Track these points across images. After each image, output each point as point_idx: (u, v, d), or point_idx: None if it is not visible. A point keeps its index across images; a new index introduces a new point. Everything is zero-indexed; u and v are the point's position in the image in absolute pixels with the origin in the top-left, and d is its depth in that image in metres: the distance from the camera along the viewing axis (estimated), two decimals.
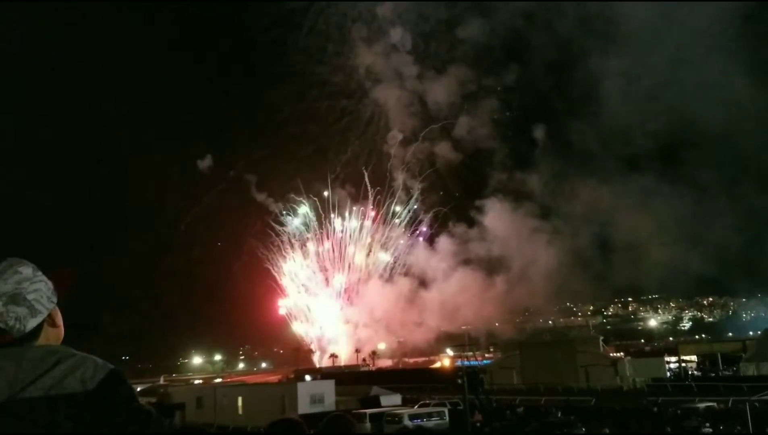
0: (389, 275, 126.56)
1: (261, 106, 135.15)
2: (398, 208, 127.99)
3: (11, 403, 1.91)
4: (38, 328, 2.14)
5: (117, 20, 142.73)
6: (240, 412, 48.68)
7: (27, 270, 2.18)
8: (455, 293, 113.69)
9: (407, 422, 37.99)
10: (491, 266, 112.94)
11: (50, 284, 2.22)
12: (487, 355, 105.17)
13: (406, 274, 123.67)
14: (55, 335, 2.20)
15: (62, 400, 1.94)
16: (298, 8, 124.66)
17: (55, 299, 2.23)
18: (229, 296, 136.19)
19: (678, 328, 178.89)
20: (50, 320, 2.20)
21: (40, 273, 2.21)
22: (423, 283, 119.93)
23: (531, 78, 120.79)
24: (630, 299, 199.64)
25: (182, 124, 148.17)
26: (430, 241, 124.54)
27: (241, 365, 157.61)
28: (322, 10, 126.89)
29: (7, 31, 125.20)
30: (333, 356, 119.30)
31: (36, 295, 2.15)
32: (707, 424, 32.56)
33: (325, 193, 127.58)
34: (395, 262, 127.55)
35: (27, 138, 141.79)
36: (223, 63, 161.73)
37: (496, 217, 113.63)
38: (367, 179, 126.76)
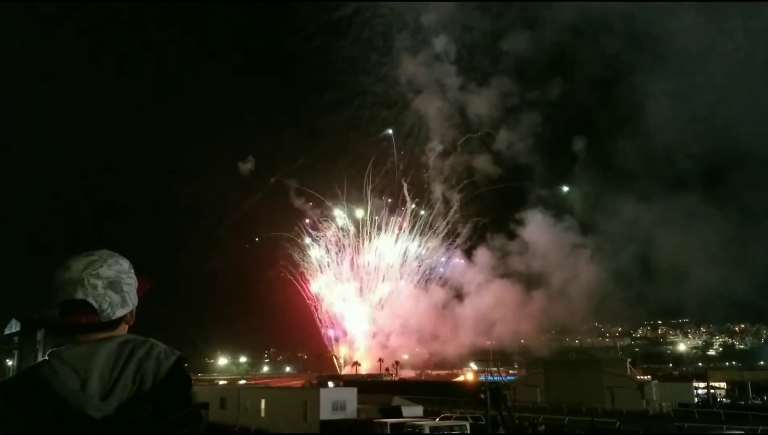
0: (424, 285, 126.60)
1: (303, 113, 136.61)
2: (436, 219, 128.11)
3: (107, 400, 2.02)
4: (120, 320, 2.26)
5: (166, 23, 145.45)
6: (263, 414, 49.04)
7: (125, 264, 2.30)
8: (487, 307, 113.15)
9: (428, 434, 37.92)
10: (525, 281, 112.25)
11: (137, 284, 2.36)
12: (511, 371, 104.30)
13: (443, 285, 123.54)
14: (125, 332, 2.30)
15: (145, 384, 2.07)
16: (344, 17, 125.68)
17: (137, 299, 2.36)
18: (258, 300, 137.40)
19: (708, 353, 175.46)
20: (129, 316, 2.32)
21: (133, 271, 2.35)
22: (458, 295, 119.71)
23: (575, 93, 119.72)
24: (660, 322, 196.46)
25: (225, 127, 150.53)
26: (467, 253, 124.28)
27: (265, 368, 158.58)
28: (367, 20, 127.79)
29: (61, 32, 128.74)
30: (356, 364, 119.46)
31: (129, 288, 2.28)
32: None
33: (363, 203, 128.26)
34: (431, 273, 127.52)
35: (72, 136, 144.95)
36: (267, 68, 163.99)
37: (532, 232, 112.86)
38: (405, 190, 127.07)
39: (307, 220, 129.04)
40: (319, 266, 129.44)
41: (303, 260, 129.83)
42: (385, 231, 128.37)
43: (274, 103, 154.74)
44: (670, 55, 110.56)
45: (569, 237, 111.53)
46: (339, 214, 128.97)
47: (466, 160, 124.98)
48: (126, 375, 2.07)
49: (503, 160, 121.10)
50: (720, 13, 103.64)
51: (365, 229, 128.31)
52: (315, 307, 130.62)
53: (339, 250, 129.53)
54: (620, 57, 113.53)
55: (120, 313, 2.23)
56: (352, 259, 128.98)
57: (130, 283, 2.29)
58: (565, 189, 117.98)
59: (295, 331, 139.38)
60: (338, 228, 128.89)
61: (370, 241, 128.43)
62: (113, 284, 2.21)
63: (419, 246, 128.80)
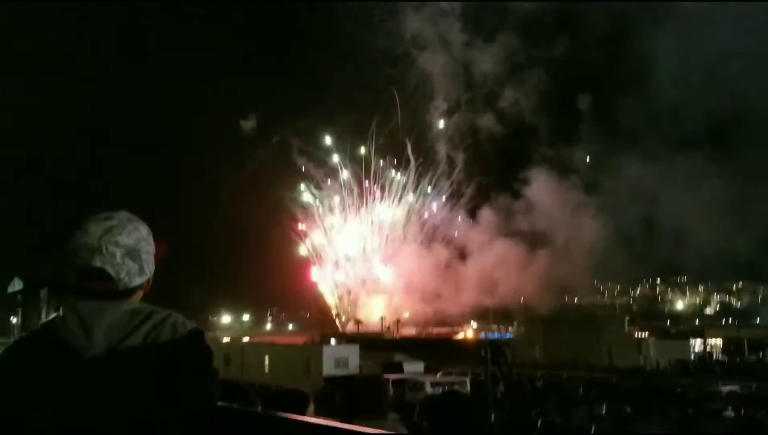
0: (428, 244, 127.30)
1: (306, 70, 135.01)
2: (440, 178, 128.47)
3: (113, 353, 1.96)
4: (137, 288, 2.19)
5: None
6: (266, 370, 49.91)
7: (144, 230, 2.22)
8: (489, 266, 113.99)
9: (429, 389, 38.70)
10: (526, 240, 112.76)
11: (154, 250, 2.28)
12: (510, 329, 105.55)
13: (446, 245, 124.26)
14: (140, 298, 2.24)
15: (157, 347, 2.01)
16: None
17: (154, 266, 2.29)
18: (261, 259, 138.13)
19: (705, 312, 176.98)
20: (146, 284, 2.25)
21: (151, 237, 2.26)
22: (461, 254, 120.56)
23: (581, 51, 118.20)
24: (658, 281, 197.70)
25: (226, 84, 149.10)
26: (471, 213, 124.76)
27: (268, 326, 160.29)
28: None
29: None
30: (357, 322, 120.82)
31: (147, 256, 2.20)
32: (730, 408, 32.61)
33: (363, 151, 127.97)
34: (434, 232, 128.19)
35: (68, 86, 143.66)
36: (269, 23, 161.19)
37: (535, 191, 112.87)
38: (409, 150, 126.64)
39: (310, 176, 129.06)
40: (322, 223, 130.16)
41: (306, 218, 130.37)
42: (389, 190, 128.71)
43: (276, 59, 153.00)
44: (679, 12, 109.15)
45: (571, 196, 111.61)
46: (340, 166, 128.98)
47: (470, 118, 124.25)
48: (137, 334, 2.01)
49: (508, 119, 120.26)
50: None
51: (369, 186, 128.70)
52: (318, 264, 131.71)
53: (343, 209, 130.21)
54: (628, 14, 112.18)
55: (137, 281, 2.17)
56: (355, 217, 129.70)
57: (149, 250, 2.22)
58: (587, 159, 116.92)
59: (297, 289, 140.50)
60: (342, 186, 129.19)
61: (373, 199, 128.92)
62: (132, 253, 2.13)
63: (423, 205, 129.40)
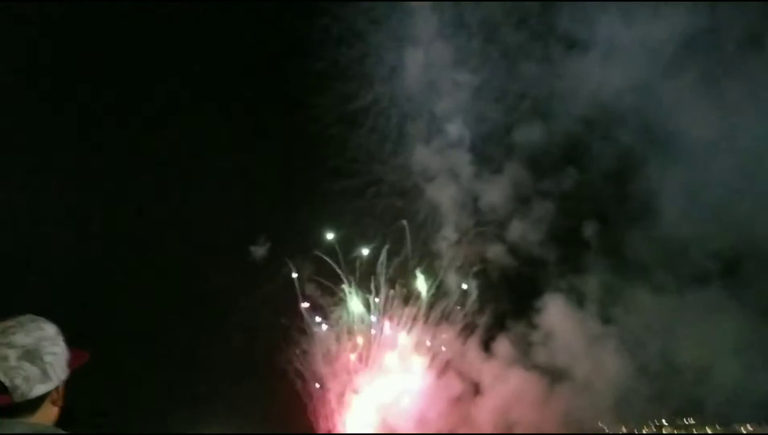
0: (438, 378, 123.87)
1: (319, 200, 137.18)
2: (450, 309, 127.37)
3: None
4: (41, 399, 1.78)
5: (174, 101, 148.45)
6: None
7: (51, 330, 1.88)
8: (501, 402, 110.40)
9: None
10: (529, 380, 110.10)
11: (67, 354, 1.90)
12: None
13: (452, 379, 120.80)
14: (52, 416, 1.84)
15: None
16: (361, 108, 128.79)
17: (67, 372, 1.89)
18: (254, 395, 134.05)
19: None
20: (55, 395, 1.85)
21: (62, 338, 1.90)
22: (465, 391, 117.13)
23: (589, 184, 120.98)
24: (665, 422, 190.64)
25: (237, 209, 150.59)
26: (484, 345, 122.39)
27: None
28: (383, 111, 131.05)
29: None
30: None
31: (53, 358, 1.82)
32: None
33: (373, 281, 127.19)
34: (445, 366, 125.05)
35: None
36: (283, 154, 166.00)
37: (547, 321, 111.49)
38: (420, 281, 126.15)
39: (318, 306, 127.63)
40: (325, 357, 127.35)
41: (307, 354, 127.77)
42: (398, 322, 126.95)
43: (288, 187, 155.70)
44: (686, 148, 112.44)
45: (568, 338, 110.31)
46: (350, 301, 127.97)
47: (480, 250, 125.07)
48: None
49: (517, 250, 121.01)
50: (734, 106, 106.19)
51: (378, 319, 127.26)
52: (320, 399, 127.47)
53: (350, 338, 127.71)
54: (635, 150, 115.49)
55: (39, 389, 1.79)
56: (362, 352, 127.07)
57: (56, 352, 1.83)
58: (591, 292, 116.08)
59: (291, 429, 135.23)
60: (349, 314, 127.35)
61: (382, 332, 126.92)
62: (30, 354, 1.76)
63: (434, 337, 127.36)
